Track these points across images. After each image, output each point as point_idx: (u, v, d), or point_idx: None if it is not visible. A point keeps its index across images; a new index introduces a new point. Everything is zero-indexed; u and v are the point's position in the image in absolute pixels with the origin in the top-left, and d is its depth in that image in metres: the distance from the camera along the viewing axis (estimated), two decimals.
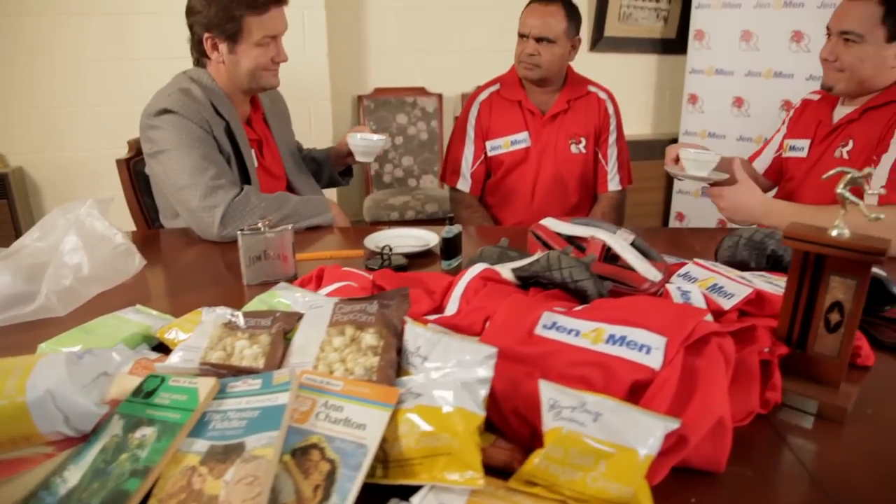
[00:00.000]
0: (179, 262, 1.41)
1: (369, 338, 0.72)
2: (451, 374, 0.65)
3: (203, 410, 0.66)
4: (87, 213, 1.12)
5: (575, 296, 0.89)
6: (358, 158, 1.71)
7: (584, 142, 2.03)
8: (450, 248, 1.21)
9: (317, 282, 1.08)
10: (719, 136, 3.38)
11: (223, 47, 1.51)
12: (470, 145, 2.06)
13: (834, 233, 0.77)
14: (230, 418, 0.65)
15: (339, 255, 1.34)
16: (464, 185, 2.07)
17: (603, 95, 2.06)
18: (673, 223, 3.69)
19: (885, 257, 0.74)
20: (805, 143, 1.65)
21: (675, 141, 3.60)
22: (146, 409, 0.67)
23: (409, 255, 1.29)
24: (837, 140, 1.55)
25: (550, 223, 1.13)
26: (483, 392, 0.63)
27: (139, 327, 0.93)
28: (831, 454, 0.74)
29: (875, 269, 1.03)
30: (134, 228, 1.73)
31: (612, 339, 0.74)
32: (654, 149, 3.72)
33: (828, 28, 1.50)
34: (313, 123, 2.99)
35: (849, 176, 0.77)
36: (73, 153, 2.87)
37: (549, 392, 0.63)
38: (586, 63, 3.30)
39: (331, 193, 3.16)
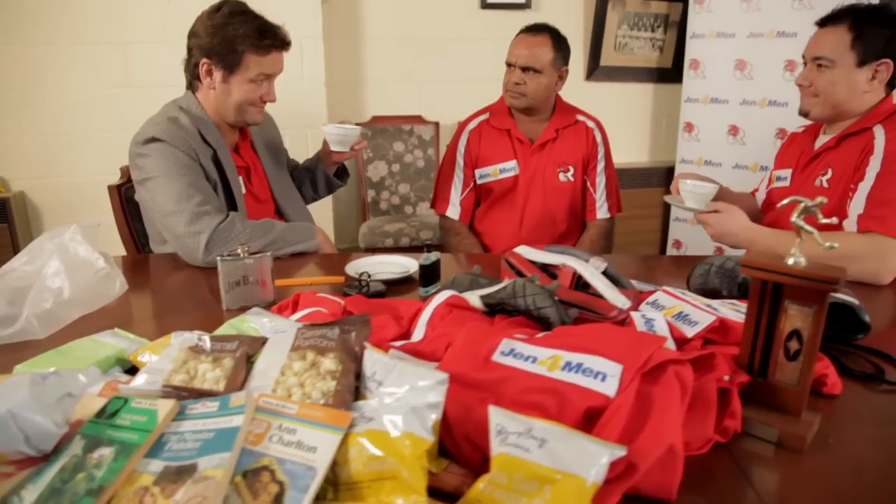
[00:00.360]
0: (164, 286, 1.43)
1: (329, 363, 0.73)
2: (403, 399, 0.66)
3: (161, 431, 0.67)
4: (70, 237, 1.15)
5: (538, 322, 0.90)
6: (333, 147, 1.73)
7: (572, 170, 2.05)
8: (428, 275, 1.23)
9: (293, 307, 1.09)
10: (715, 163, 3.40)
11: (218, 75, 1.55)
12: (459, 173, 2.09)
13: (790, 261, 0.78)
14: (186, 439, 0.66)
15: (320, 282, 1.36)
16: (453, 212, 2.09)
17: (591, 124, 2.09)
18: (670, 251, 3.69)
19: (840, 285, 0.75)
20: (788, 173, 1.68)
21: (671, 169, 3.64)
22: (107, 430, 0.68)
23: (388, 282, 1.30)
24: (818, 169, 1.57)
25: (524, 251, 1.14)
26: (434, 417, 0.64)
27: (114, 350, 0.94)
28: (788, 483, 0.74)
29: (847, 297, 1.03)
30: (124, 253, 1.76)
31: (568, 366, 0.74)
32: (651, 177, 3.75)
33: (803, 56, 1.55)
34: (310, 150, 3.02)
35: (802, 205, 0.79)
36: (73, 179, 2.93)
37: (497, 417, 0.64)
38: (582, 92, 3.35)
39: (327, 220, 3.20)
